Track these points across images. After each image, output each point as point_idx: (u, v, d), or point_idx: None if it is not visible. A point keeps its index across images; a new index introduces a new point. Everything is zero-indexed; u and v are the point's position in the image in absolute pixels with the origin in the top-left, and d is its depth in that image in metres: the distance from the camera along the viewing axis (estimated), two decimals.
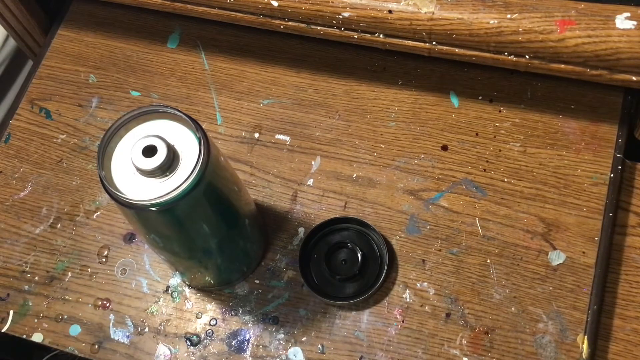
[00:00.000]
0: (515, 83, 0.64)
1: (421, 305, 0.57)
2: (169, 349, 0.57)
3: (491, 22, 0.53)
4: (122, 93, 0.70)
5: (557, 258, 0.57)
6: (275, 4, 0.58)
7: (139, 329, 0.59)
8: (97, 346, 0.58)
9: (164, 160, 0.43)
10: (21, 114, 0.70)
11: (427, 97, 0.65)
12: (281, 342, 0.57)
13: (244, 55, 0.70)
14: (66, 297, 0.60)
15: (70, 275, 0.61)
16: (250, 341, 0.57)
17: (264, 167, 0.64)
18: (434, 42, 0.57)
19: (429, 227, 0.60)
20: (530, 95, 0.64)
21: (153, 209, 0.43)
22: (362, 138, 0.64)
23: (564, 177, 0.60)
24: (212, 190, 0.46)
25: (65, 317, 0.60)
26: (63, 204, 0.65)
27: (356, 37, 0.59)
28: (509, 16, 0.53)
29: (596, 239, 0.57)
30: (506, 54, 0.55)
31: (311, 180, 0.63)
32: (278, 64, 0.69)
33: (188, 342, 0.58)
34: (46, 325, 0.59)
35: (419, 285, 0.58)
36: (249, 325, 0.58)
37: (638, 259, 0.57)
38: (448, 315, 0.56)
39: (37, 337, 0.59)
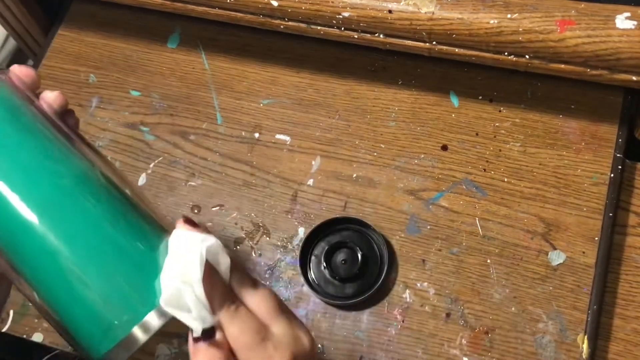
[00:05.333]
0: (515, 83, 0.64)
1: (421, 305, 0.57)
2: (169, 349, 0.57)
3: (491, 22, 0.53)
4: (122, 93, 0.70)
5: (557, 258, 0.57)
6: (275, 4, 0.58)
7: None
8: None
9: None
10: None
11: (427, 97, 0.65)
12: None
13: (244, 55, 0.70)
14: None
15: None
16: None
17: (264, 167, 0.64)
18: (434, 42, 0.57)
19: (429, 227, 0.60)
20: (530, 95, 0.64)
21: None
22: (362, 138, 0.64)
23: (564, 177, 0.60)
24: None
25: None
26: None
27: (356, 37, 0.59)
28: (509, 16, 0.53)
29: (596, 239, 0.57)
30: (506, 54, 0.55)
31: (311, 180, 0.63)
32: (278, 64, 0.69)
33: None
34: (46, 325, 0.59)
35: (419, 285, 0.58)
36: None
37: (638, 259, 0.57)
38: (448, 315, 0.56)
39: (37, 337, 0.59)
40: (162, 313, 0.34)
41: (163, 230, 0.38)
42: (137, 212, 0.37)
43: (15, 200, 0.35)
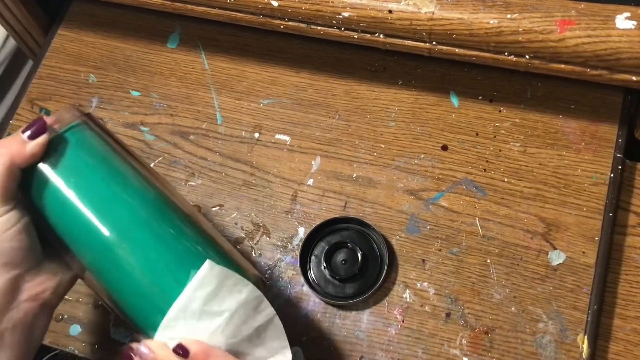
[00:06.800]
0: (515, 83, 0.64)
1: (421, 305, 0.57)
2: None
3: (491, 22, 0.53)
4: (122, 93, 0.70)
5: (557, 258, 0.57)
6: (275, 4, 0.58)
7: None
8: (97, 346, 0.58)
9: None
10: (21, 114, 0.70)
11: (427, 97, 0.65)
12: None
13: (244, 55, 0.70)
14: (66, 296, 0.60)
15: None
16: None
17: (264, 167, 0.64)
18: (434, 42, 0.57)
19: (429, 227, 0.60)
20: (530, 95, 0.64)
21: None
22: (362, 138, 0.64)
23: (564, 177, 0.60)
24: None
25: (66, 316, 0.60)
26: None
27: (356, 37, 0.59)
28: (509, 16, 0.53)
29: (596, 238, 0.57)
30: (506, 54, 0.55)
31: (311, 180, 0.63)
32: (278, 64, 0.69)
33: None
34: None
35: (419, 285, 0.58)
36: None
37: (638, 259, 0.57)
38: (448, 315, 0.56)
39: None
40: None
41: (220, 248, 0.46)
42: (195, 230, 0.46)
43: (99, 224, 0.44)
